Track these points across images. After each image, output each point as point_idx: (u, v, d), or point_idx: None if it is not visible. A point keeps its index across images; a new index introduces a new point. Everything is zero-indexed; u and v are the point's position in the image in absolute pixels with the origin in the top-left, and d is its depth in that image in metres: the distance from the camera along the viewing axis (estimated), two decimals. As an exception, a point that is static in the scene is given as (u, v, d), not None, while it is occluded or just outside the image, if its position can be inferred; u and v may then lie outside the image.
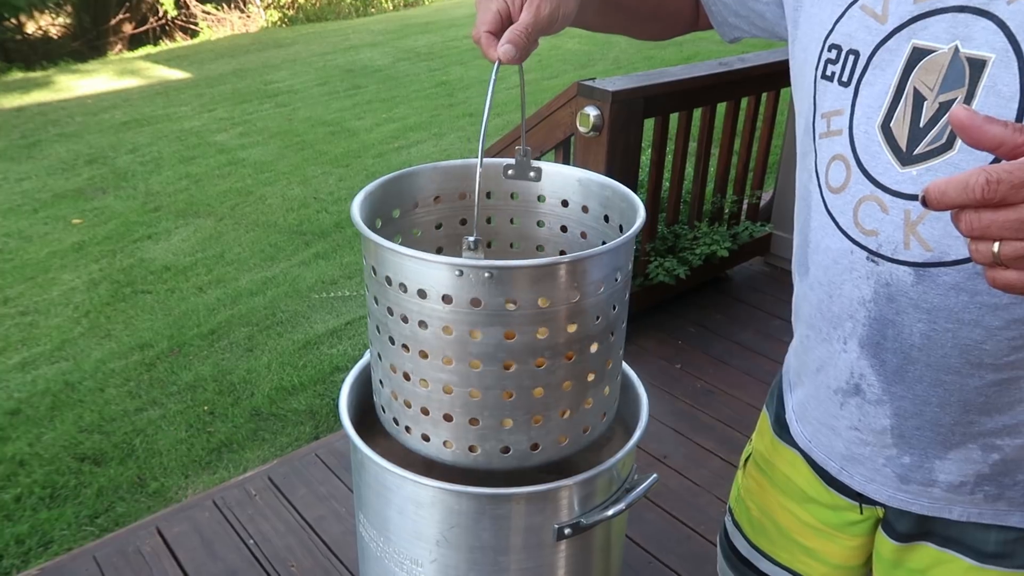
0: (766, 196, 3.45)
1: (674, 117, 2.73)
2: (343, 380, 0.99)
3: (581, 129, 2.35)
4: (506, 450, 0.81)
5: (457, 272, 0.73)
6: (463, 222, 1.01)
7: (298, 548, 1.95)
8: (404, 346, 0.80)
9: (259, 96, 8.08)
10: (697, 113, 2.84)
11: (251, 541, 1.97)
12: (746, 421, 2.45)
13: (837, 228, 0.79)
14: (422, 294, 0.76)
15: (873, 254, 0.76)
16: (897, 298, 0.75)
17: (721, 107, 2.89)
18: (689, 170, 3.06)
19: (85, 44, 10.89)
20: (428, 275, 0.75)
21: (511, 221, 1.03)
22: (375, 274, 0.80)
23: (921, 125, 0.71)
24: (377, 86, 8.32)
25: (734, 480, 1.24)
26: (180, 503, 2.16)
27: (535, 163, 0.97)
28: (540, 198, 1.00)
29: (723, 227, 3.12)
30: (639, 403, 0.97)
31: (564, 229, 1.00)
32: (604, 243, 0.95)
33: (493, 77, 0.78)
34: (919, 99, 0.71)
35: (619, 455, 0.87)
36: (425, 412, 0.82)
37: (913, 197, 0.72)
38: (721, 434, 2.40)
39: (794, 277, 0.93)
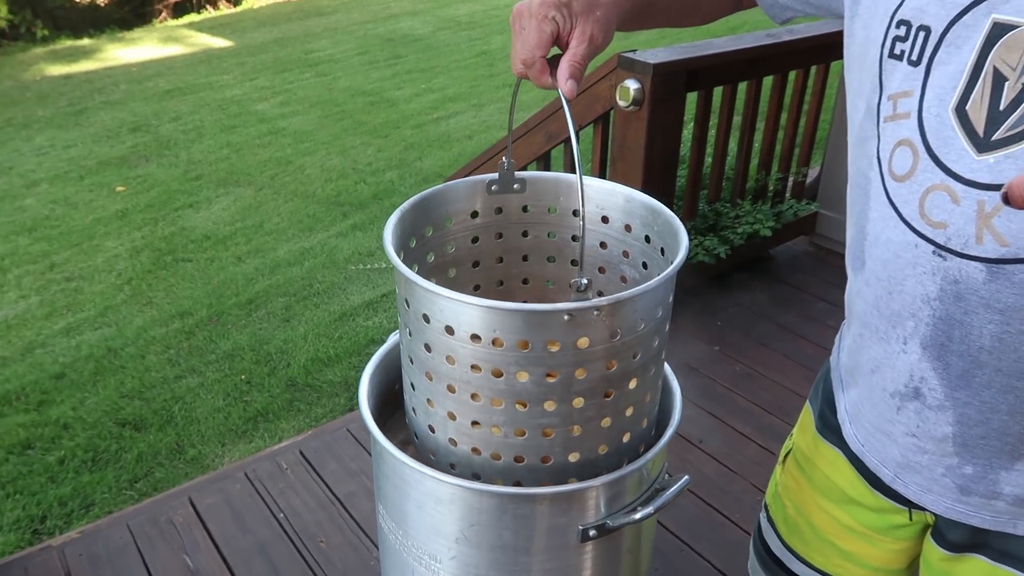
0: (812, 173, 3.33)
1: (718, 91, 2.63)
2: (364, 367, 0.96)
3: (621, 103, 2.27)
4: (541, 481, 0.82)
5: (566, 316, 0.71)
6: (499, 235, 1.00)
7: (327, 523, 1.95)
8: (449, 387, 0.79)
9: (300, 65, 8.09)
10: (742, 87, 2.74)
11: (281, 515, 1.98)
12: (786, 407, 2.38)
13: (900, 219, 0.73)
14: (475, 339, 0.74)
15: (940, 248, 0.70)
16: (966, 297, 0.69)
17: (767, 80, 2.78)
18: (732, 146, 2.96)
19: (131, 12, 10.99)
20: (478, 319, 0.73)
21: (548, 235, 1.02)
22: (428, 322, 0.77)
23: (1001, 108, 0.64)
24: (417, 56, 8.25)
25: (772, 475, 1.19)
26: (212, 474, 2.18)
27: (519, 174, 0.96)
28: (575, 213, 0.99)
29: (767, 205, 3.02)
30: (672, 398, 0.92)
31: (604, 246, 0.99)
32: (645, 265, 0.94)
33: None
34: (999, 80, 0.64)
35: (649, 455, 0.83)
36: (476, 452, 0.82)
37: (989, 187, 0.65)
38: (759, 420, 2.34)
39: (848, 270, 0.87)
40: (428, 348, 0.78)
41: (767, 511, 1.18)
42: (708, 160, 2.86)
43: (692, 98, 2.51)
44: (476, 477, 0.82)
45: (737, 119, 2.85)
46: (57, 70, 8.20)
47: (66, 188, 5.28)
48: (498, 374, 0.75)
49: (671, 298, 0.84)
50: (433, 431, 0.83)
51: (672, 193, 2.53)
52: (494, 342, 0.73)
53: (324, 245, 4.40)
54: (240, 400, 3.11)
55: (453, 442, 0.81)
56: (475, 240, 0.99)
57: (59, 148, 5.98)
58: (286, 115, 6.55)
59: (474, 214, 0.97)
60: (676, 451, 2.17)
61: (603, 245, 0.99)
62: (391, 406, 1.01)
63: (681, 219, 2.79)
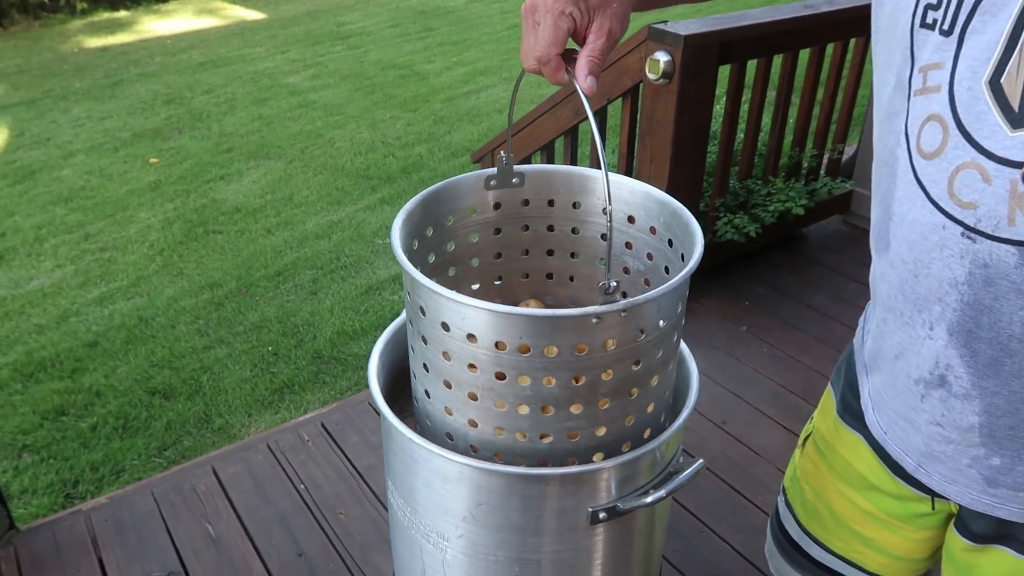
0: (848, 151, 3.24)
1: (752, 64, 2.56)
2: (373, 344, 0.95)
3: (650, 76, 2.22)
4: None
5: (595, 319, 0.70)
6: (526, 227, 0.99)
7: (347, 496, 1.97)
8: (472, 395, 0.78)
9: (331, 38, 8.07)
10: (777, 60, 2.66)
11: (302, 486, 1.99)
12: (813, 390, 2.34)
13: (927, 199, 0.69)
14: (500, 346, 0.73)
15: (970, 230, 0.66)
16: (996, 281, 0.66)
17: (804, 53, 2.69)
18: (766, 121, 2.89)
19: (166, -16, 11.02)
20: (502, 326, 0.72)
21: (573, 231, 1.01)
22: (447, 330, 0.76)
23: None
24: (448, 28, 8.19)
25: (791, 459, 1.16)
26: (235, 444, 2.20)
27: (518, 168, 0.95)
28: (575, 205, 0.98)
29: (800, 183, 2.95)
30: (689, 380, 0.90)
31: (629, 246, 0.98)
32: (650, 256, 0.93)
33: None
34: None
35: (662, 437, 0.81)
36: (500, 458, 0.81)
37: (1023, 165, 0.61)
38: (785, 402, 2.30)
39: (872, 252, 0.83)
40: (447, 356, 0.76)
41: (785, 495, 1.16)
42: (740, 136, 2.80)
43: (724, 71, 2.45)
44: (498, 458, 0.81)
45: (771, 94, 2.77)
46: (94, 42, 8.28)
47: (101, 159, 5.35)
48: (524, 380, 0.74)
49: (687, 292, 0.83)
50: (452, 439, 0.82)
51: (702, 169, 2.48)
52: (520, 349, 0.72)
53: (352, 219, 4.40)
54: (267, 371, 3.15)
55: (474, 448, 0.80)
56: (474, 237, 0.98)
57: (95, 120, 6.06)
58: (317, 88, 6.55)
59: (473, 210, 0.96)
60: (699, 432, 2.14)
61: (603, 238, 0.99)
62: (402, 381, 1.00)
63: (710, 197, 2.72)
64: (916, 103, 0.70)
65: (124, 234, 4.36)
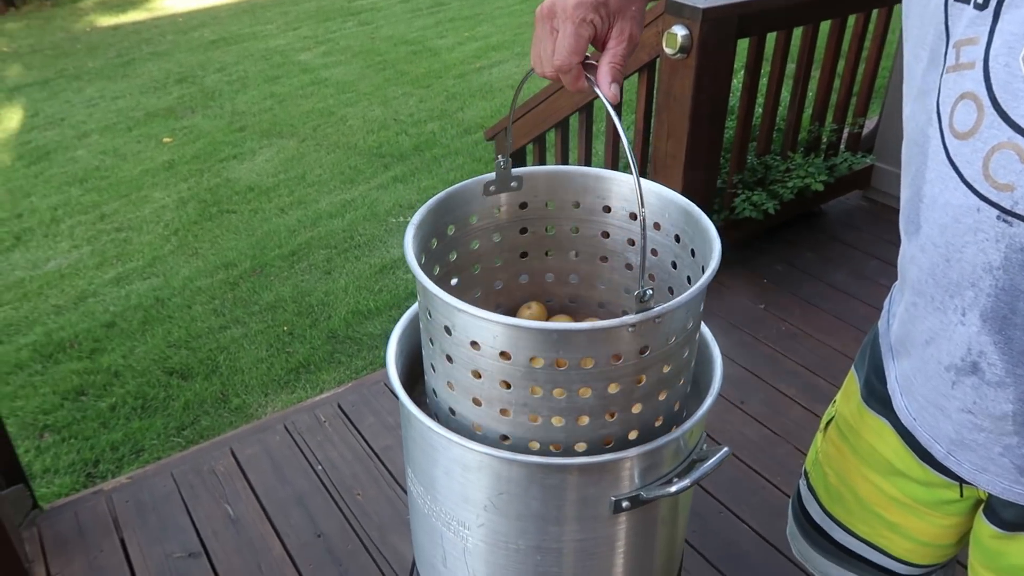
0: (869, 124, 3.18)
1: (771, 37, 2.50)
2: (391, 331, 0.93)
3: (667, 51, 2.17)
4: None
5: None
6: (524, 230, 1.00)
7: (364, 476, 1.97)
8: (503, 411, 0.77)
9: (342, 14, 8.00)
10: (797, 32, 2.60)
11: (319, 467, 2.00)
12: (833, 369, 2.32)
13: (961, 180, 0.67)
14: (504, 355, 0.73)
15: (1006, 213, 0.63)
16: None
17: (824, 25, 2.63)
18: (785, 95, 2.83)
19: (176, -40, 10.95)
20: (535, 342, 0.71)
21: (574, 231, 1.01)
22: (478, 348, 0.75)
23: None
24: (460, 3, 8.09)
25: (812, 442, 1.15)
26: (252, 424, 2.21)
27: (516, 172, 0.94)
28: (607, 209, 0.98)
29: (819, 158, 2.90)
30: (712, 365, 0.88)
31: (632, 243, 0.98)
32: (674, 264, 0.93)
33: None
34: None
35: (686, 425, 0.79)
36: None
37: None
38: (805, 381, 2.28)
39: (902, 235, 0.81)
40: (478, 375, 0.75)
41: (807, 478, 1.14)
42: (758, 111, 2.75)
43: (743, 45, 2.40)
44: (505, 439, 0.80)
45: (790, 67, 2.72)
46: (106, 21, 8.25)
47: (115, 139, 5.35)
48: (560, 393, 0.73)
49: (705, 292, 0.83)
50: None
51: (720, 146, 2.44)
52: (557, 363, 0.71)
53: (365, 197, 4.39)
54: (282, 351, 3.16)
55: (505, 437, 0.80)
56: (475, 244, 0.98)
57: (108, 99, 6.05)
58: (328, 65, 6.50)
59: (473, 218, 0.95)
60: (717, 412, 2.13)
61: (605, 234, 0.98)
62: (420, 364, 0.99)
63: (727, 173, 2.67)
64: (948, 80, 0.67)
65: (139, 214, 4.37)
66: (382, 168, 4.72)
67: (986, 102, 0.63)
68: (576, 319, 1.04)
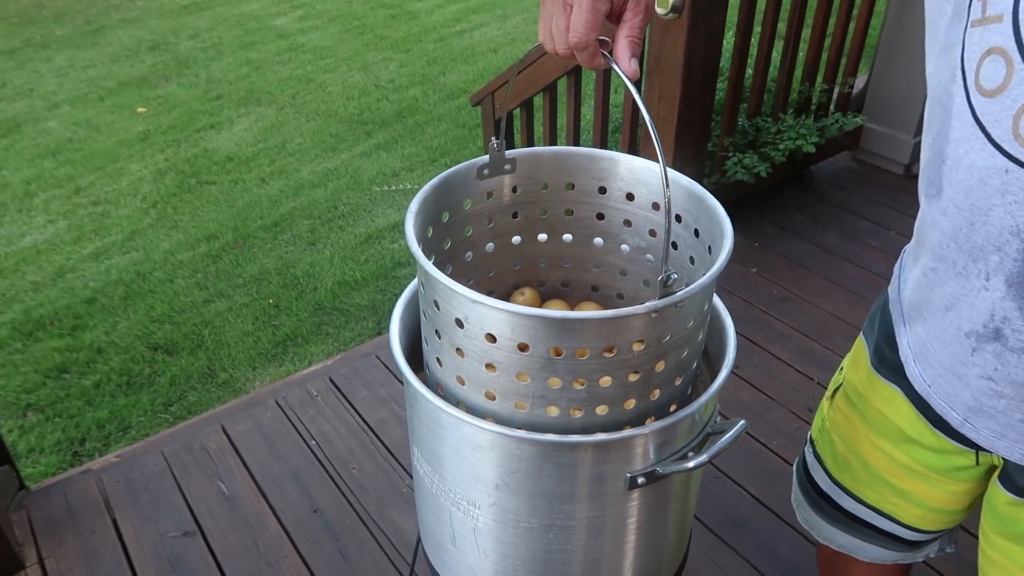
0: (859, 84, 3.14)
1: (763, -5, 2.46)
2: (390, 292, 0.90)
3: (659, 11, 2.12)
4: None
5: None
6: (515, 215, 0.97)
7: (359, 450, 1.95)
8: (519, 404, 0.75)
9: (318, -24, 7.79)
10: (789, -11, 2.55)
11: (313, 442, 1.98)
12: (825, 331, 2.31)
13: (988, 140, 0.64)
14: (523, 347, 0.70)
15: None
16: None
17: (817, -17, 2.59)
18: (775, 56, 2.79)
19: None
20: (554, 332, 0.69)
21: (567, 212, 0.99)
22: (494, 341, 0.72)
23: None
24: (439, -37, 7.90)
25: (818, 410, 1.14)
26: (243, 399, 2.18)
27: (509, 154, 0.90)
28: (570, 186, 0.96)
29: (810, 119, 2.87)
30: (725, 336, 0.85)
31: (628, 223, 0.96)
32: (652, 232, 0.92)
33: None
34: None
35: (702, 399, 0.77)
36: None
37: None
38: (798, 344, 2.28)
39: (921, 198, 0.78)
40: (492, 368, 0.73)
41: (813, 446, 1.13)
42: (749, 72, 2.70)
43: (734, 4, 2.35)
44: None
45: (782, 27, 2.67)
46: (72, -14, 7.99)
47: (87, 110, 5.21)
48: (580, 383, 0.71)
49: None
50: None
51: (711, 108, 2.40)
52: (578, 353, 0.69)
53: (348, 166, 4.31)
54: (269, 324, 3.11)
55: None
56: (468, 230, 0.95)
57: (78, 68, 5.88)
58: (305, 30, 6.35)
59: (467, 203, 0.92)
60: (712, 377, 2.12)
61: (600, 216, 0.97)
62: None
63: (719, 135, 2.63)
64: (974, 35, 0.64)
65: (116, 187, 4.27)
66: (364, 135, 4.64)
67: (1016, 57, 0.60)
68: (570, 303, 1.02)
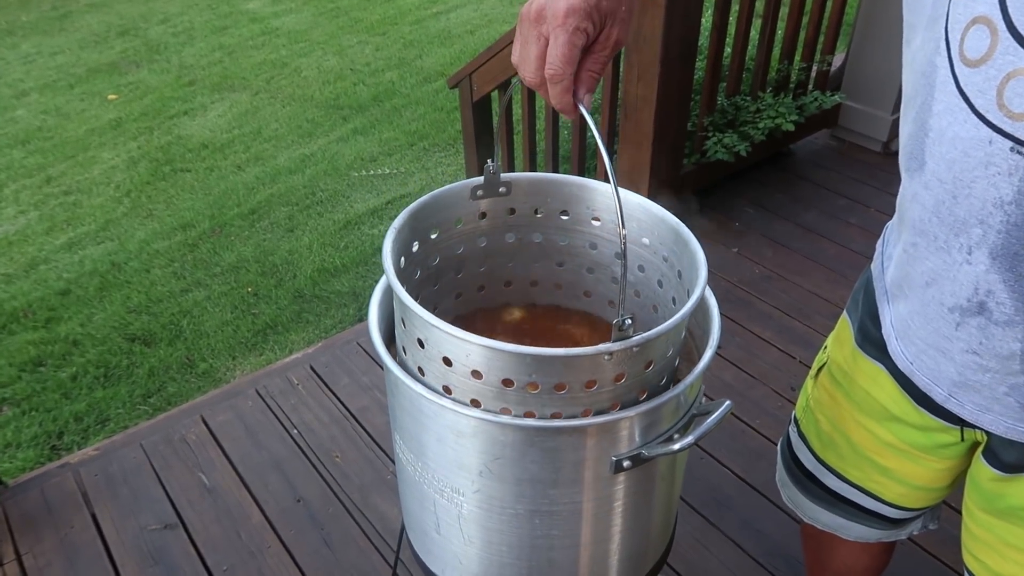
0: (837, 61, 3.14)
1: (741, -29, 2.44)
2: (369, 277, 0.88)
3: (637, -11, 2.10)
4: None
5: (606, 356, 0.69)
6: (510, 237, 0.97)
7: (342, 438, 1.93)
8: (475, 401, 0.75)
9: (290, -42, 7.66)
10: (767, -33, 2.54)
11: (295, 431, 1.96)
12: (807, 310, 2.32)
13: (972, 111, 0.63)
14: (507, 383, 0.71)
15: (1021, 144, 0.60)
16: None
17: (794, -40, 2.58)
18: (754, 34, 2.78)
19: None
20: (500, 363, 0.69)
21: (561, 240, 0.99)
22: (449, 365, 0.72)
23: None
24: (413, -56, 7.80)
25: (802, 388, 1.14)
26: (222, 389, 2.15)
27: (505, 177, 0.90)
28: (596, 219, 0.96)
29: (788, 97, 2.87)
30: (710, 316, 0.84)
31: (619, 256, 0.95)
32: (660, 283, 0.92)
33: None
34: None
35: (687, 380, 0.76)
36: None
37: None
38: (779, 323, 2.28)
39: (902, 172, 0.78)
40: (448, 391, 0.73)
41: (797, 425, 1.13)
42: (727, 50, 2.69)
43: (713, -19, 2.33)
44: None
45: (759, 5, 2.66)
46: (37, -29, 7.80)
47: (56, 98, 5.10)
48: (531, 415, 0.72)
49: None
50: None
51: (690, 87, 2.39)
52: (529, 387, 0.69)
53: (325, 151, 4.26)
54: (248, 313, 3.08)
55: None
56: (459, 248, 0.95)
57: (46, 55, 5.75)
58: (279, 13, 6.25)
59: (459, 222, 0.92)
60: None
61: (592, 246, 0.97)
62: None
63: (698, 115, 2.62)
64: (958, 5, 0.63)
65: (88, 176, 4.19)
66: (341, 120, 4.58)
67: (1000, 26, 0.59)
68: (557, 329, 1.03)
